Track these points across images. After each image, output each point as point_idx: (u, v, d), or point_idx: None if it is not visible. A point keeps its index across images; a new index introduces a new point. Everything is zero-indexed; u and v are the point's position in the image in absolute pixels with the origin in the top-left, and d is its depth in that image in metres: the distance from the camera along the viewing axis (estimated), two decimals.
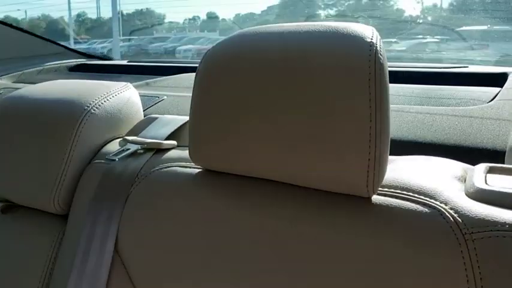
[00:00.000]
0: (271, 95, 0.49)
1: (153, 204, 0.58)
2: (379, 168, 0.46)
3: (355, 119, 0.45)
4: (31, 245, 0.68)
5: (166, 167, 0.61)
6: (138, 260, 0.57)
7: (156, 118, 0.74)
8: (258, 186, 0.54)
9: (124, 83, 0.75)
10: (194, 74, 1.18)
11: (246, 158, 0.51)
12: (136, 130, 0.72)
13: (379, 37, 0.49)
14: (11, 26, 1.34)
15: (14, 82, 1.27)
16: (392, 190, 0.49)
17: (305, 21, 0.54)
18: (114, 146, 0.70)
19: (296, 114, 0.47)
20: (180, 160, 0.62)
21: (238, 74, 0.52)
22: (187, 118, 0.71)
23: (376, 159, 0.45)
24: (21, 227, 0.70)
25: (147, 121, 0.74)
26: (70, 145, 0.65)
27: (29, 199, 0.68)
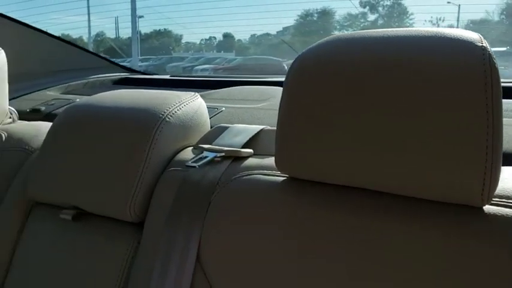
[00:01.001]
0: (368, 101, 0.47)
1: (237, 212, 0.57)
2: (494, 177, 0.44)
3: (472, 128, 0.44)
4: (104, 253, 0.67)
5: (247, 175, 0.60)
6: (221, 269, 0.55)
7: (227, 127, 0.74)
8: (344, 194, 0.53)
9: (192, 93, 0.75)
10: (245, 87, 1.18)
11: (341, 167, 0.50)
12: (208, 139, 0.72)
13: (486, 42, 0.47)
14: (58, 38, 1.36)
15: (61, 93, 1.29)
16: (504, 200, 0.47)
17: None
18: (186, 154, 0.69)
19: (403, 121, 0.46)
20: (261, 168, 0.61)
21: (331, 80, 0.50)
22: (260, 127, 0.70)
23: (492, 169, 0.44)
24: (93, 236, 0.69)
25: (218, 130, 0.73)
26: (146, 152, 0.65)
27: (103, 207, 0.67)
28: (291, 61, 0.57)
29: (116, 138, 0.67)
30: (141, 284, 0.61)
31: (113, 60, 1.61)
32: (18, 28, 1.27)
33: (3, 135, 0.89)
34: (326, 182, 0.54)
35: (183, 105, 0.71)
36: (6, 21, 1.25)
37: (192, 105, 0.72)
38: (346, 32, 0.57)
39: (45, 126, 0.92)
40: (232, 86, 1.28)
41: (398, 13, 14.27)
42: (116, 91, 0.78)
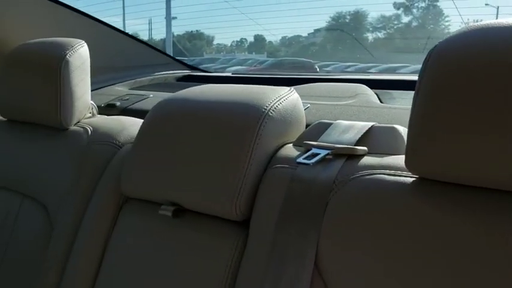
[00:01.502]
0: None
1: (361, 215, 0.53)
2: None
3: None
4: (208, 251, 0.64)
5: (369, 174, 0.56)
6: (344, 280, 0.51)
7: (330, 123, 0.70)
8: (475, 195, 0.48)
9: (288, 88, 0.72)
10: (322, 83, 1.14)
11: (482, 168, 0.46)
12: (311, 135, 0.68)
13: None
14: (127, 35, 1.36)
15: (129, 89, 1.29)
16: None
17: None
18: (288, 151, 0.65)
19: None
20: (382, 167, 0.57)
21: (474, 75, 0.46)
22: (370, 124, 0.66)
23: None
24: (194, 233, 0.66)
25: (320, 126, 0.69)
26: (251, 148, 0.61)
27: (206, 205, 0.64)
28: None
29: (218, 134, 0.64)
30: (252, 281, 0.58)
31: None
32: (90, 23, 1.28)
33: (88, 129, 0.88)
34: (459, 183, 0.50)
35: (282, 99, 0.67)
36: (80, 16, 1.25)
37: (291, 99, 0.69)
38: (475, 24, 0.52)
39: (129, 121, 0.91)
40: (298, 84, 1.25)
41: (434, 15, 13.95)
42: (204, 86, 0.76)
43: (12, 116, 0.97)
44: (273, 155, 0.65)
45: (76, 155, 0.84)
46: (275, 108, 0.64)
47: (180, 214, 0.67)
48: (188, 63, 1.60)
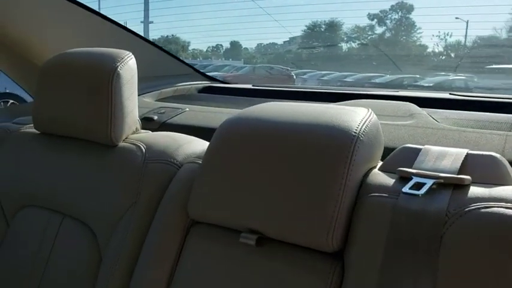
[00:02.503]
0: None
1: (484, 248, 0.51)
2: None
3: None
4: (296, 284, 0.61)
5: (485, 207, 0.54)
6: None
7: (419, 149, 0.67)
8: None
9: (366, 109, 0.69)
10: (366, 100, 1.12)
11: None
12: (398, 161, 0.66)
13: None
14: (153, 44, 1.32)
15: (156, 100, 1.24)
16: None
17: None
18: (379, 178, 0.62)
19: None
20: (496, 199, 0.55)
21: None
22: (464, 151, 0.64)
23: None
24: (279, 264, 0.62)
25: (407, 151, 0.67)
26: (345, 174, 0.58)
27: (295, 235, 0.60)
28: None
29: (304, 158, 0.61)
30: None
31: None
32: (120, 32, 1.23)
33: (141, 146, 0.83)
34: None
35: (367, 122, 0.64)
36: (108, 23, 1.20)
37: (374, 121, 0.66)
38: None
39: (182, 138, 0.86)
40: (318, 98, 1.24)
41: (406, 27, 14.36)
42: (269, 104, 0.72)
43: (49, 130, 0.91)
44: (363, 182, 0.62)
45: (130, 174, 0.79)
46: (364, 131, 0.61)
47: (262, 242, 0.64)
48: None
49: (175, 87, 1.37)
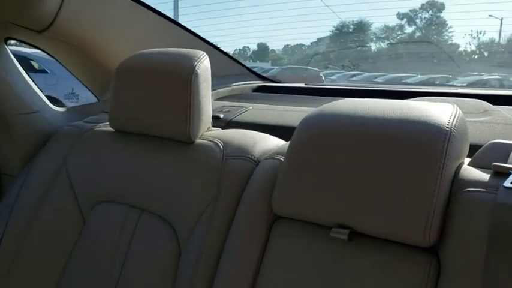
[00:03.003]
0: None
1: None
2: None
3: None
4: (392, 278, 0.61)
5: None
6: None
7: (510, 144, 0.67)
8: None
9: (449, 104, 0.69)
10: (437, 97, 1.11)
11: None
12: (489, 156, 0.65)
13: None
14: (211, 45, 1.34)
15: (215, 100, 1.27)
16: None
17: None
18: (473, 173, 0.62)
19: None
20: None
21: None
22: None
23: None
24: (374, 259, 0.62)
25: (498, 147, 0.66)
26: (441, 169, 0.58)
27: (390, 229, 0.60)
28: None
29: (396, 153, 0.61)
30: None
31: None
32: (177, 31, 1.26)
33: (218, 143, 0.85)
34: None
35: (457, 117, 0.64)
36: (167, 22, 1.23)
37: (462, 117, 0.66)
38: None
39: (257, 135, 0.88)
40: (377, 96, 1.23)
41: (437, 26, 14.06)
42: (348, 100, 0.72)
43: (125, 128, 0.94)
44: (455, 177, 0.62)
45: (210, 170, 0.82)
46: (455, 126, 0.61)
47: (353, 237, 0.64)
48: None
49: (231, 87, 1.40)
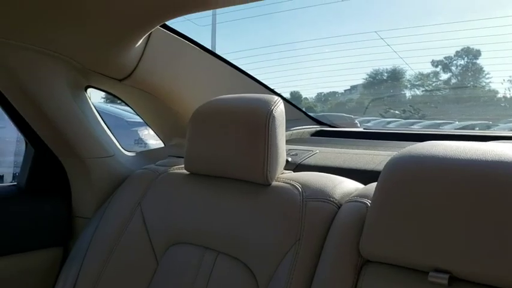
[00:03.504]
0: None
1: None
2: None
3: None
4: None
5: None
6: None
7: None
8: None
9: None
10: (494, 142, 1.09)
11: None
12: None
13: None
14: (266, 87, 1.38)
15: None
16: None
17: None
18: None
19: None
20: None
21: None
22: None
23: None
24: None
25: None
26: None
27: (498, 276, 0.58)
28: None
29: (501, 197, 0.59)
30: None
31: None
32: (242, 78, 1.30)
33: (296, 185, 0.86)
34: None
35: None
36: (232, 70, 1.28)
37: None
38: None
39: (334, 178, 0.88)
40: (439, 139, 1.21)
41: (473, 72, 13.92)
42: (431, 143, 0.72)
43: (201, 171, 0.96)
44: None
45: (290, 212, 0.82)
46: None
47: (452, 282, 0.62)
48: None
49: (291, 131, 1.42)
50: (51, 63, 0.96)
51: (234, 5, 0.87)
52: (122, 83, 1.09)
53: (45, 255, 1.11)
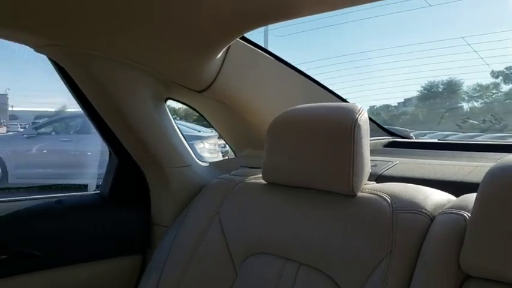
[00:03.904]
0: None
1: None
2: None
3: None
4: None
5: None
6: None
7: None
8: None
9: None
10: None
11: None
12: None
13: None
14: (342, 99, 1.36)
15: None
16: None
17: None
18: None
19: None
20: None
21: None
22: None
23: None
24: None
25: None
26: None
27: None
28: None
29: None
30: None
31: None
32: (314, 87, 1.29)
33: (384, 196, 0.82)
34: None
35: None
36: (306, 80, 1.27)
37: None
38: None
39: (424, 189, 0.84)
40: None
41: None
42: None
43: (280, 181, 0.95)
44: None
45: (380, 224, 0.79)
46: None
47: None
48: None
49: None
50: (137, 75, 1.00)
51: (317, 13, 0.86)
52: (200, 95, 1.11)
53: (125, 263, 1.14)
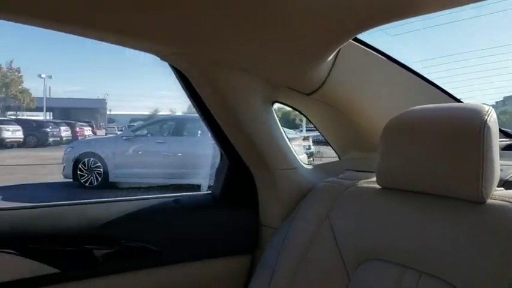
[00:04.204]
0: None
1: None
2: None
3: None
4: None
5: None
6: None
7: None
8: None
9: None
10: None
11: None
12: None
13: None
14: (454, 98, 1.28)
15: None
16: None
17: None
18: None
19: None
20: None
21: None
22: None
23: None
24: None
25: None
26: None
27: None
28: None
29: None
30: None
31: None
32: (429, 88, 1.23)
33: None
34: None
35: None
36: (420, 80, 1.21)
37: None
38: None
39: None
40: None
41: None
42: None
43: (397, 185, 0.91)
44: None
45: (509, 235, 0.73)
46: None
47: None
48: None
49: None
50: (250, 80, 1.02)
51: (442, 10, 0.81)
52: (308, 97, 1.11)
53: (235, 263, 1.17)
